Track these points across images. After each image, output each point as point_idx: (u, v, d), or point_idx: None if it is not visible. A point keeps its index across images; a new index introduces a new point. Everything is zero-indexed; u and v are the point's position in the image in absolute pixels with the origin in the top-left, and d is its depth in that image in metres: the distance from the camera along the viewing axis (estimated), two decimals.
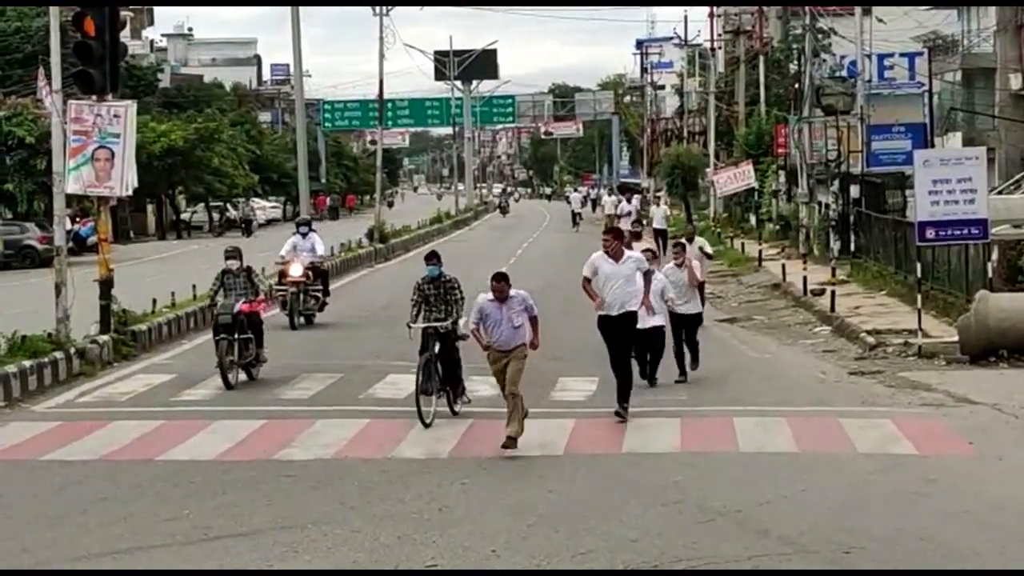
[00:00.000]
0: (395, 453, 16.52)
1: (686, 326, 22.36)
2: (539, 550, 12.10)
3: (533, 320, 17.27)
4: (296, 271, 30.39)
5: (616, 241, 18.56)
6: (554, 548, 12.15)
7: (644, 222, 47.40)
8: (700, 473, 15.05)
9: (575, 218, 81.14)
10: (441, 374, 18.38)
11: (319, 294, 31.03)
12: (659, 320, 20.76)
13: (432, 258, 19.18)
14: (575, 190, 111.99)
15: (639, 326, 19.63)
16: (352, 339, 28.33)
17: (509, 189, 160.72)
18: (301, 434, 17.73)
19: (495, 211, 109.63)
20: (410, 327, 18.61)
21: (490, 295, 17.11)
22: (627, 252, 18.66)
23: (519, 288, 17.71)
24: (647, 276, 18.91)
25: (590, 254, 18.64)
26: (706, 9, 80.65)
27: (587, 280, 18.47)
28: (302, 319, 30.35)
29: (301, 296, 30.30)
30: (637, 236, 26.43)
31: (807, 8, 48.88)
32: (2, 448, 17.48)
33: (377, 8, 62.80)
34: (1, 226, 58.06)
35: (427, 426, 17.70)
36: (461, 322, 18.76)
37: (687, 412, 18.92)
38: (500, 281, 17.14)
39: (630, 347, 18.82)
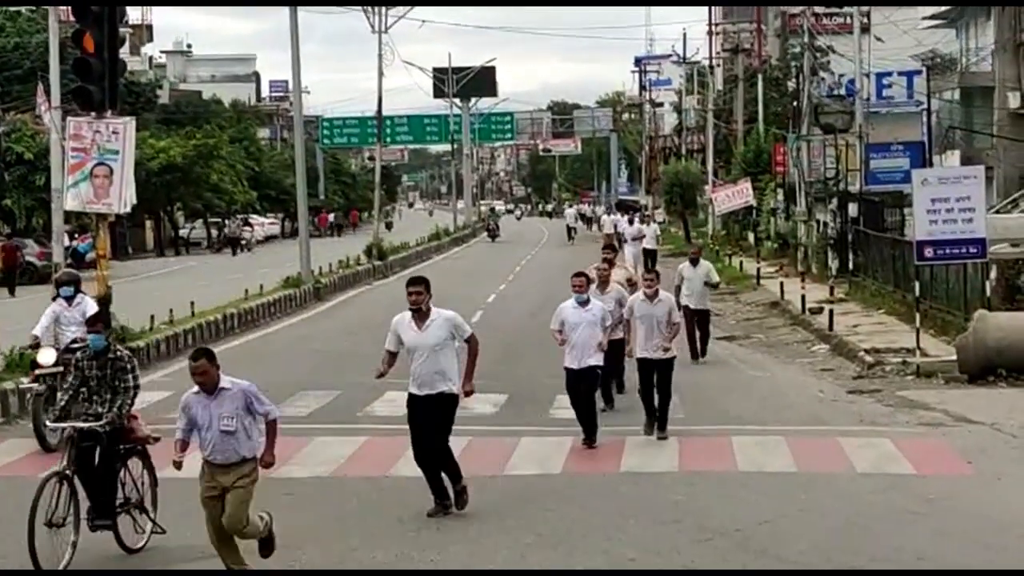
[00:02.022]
0: (393, 471, 16.48)
1: (656, 372, 18.28)
2: (537, 569, 12.10)
3: (269, 426, 12.17)
4: (47, 358, 18.56)
5: (424, 295, 14.03)
6: (552, 567, 12.14)
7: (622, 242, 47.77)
8: (698, 492, 15.03)
9: (570, 232, 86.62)
10: (96, 494, 12.72)
11: None
12: (595, 359, 17.47)
13: (95, 323, 13.40)
14: (570, 206, 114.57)
15: (573, 366, 17.43)
16: (349, 356, 28.26)
17: (504, 207, 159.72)
18: (299, 452, 17.69)
19: (483, 234, 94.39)
20: (46, 426, 13.25)
21: (195, 387, 12.01)
22: (435, 312, 14.08)
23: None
24: (471, 345, 14.23)
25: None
26: (705, 27, 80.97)
27: (389, 354, 14.30)
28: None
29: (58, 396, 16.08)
30: (611, 263, 21.74)
31: (806, 26, 48.99)
32: (0, 465, 17.45)
33: (376, 25, 62.87)
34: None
35: None
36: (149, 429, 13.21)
37: (685, 431, 18.88)
38: (199, 359, 11.88)
39: (447, 436, 14.26)
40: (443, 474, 14.21)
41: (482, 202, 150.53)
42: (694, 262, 27.19)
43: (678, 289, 26.13)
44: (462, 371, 14.24)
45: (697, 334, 26.48)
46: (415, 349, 13.96)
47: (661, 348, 18.19)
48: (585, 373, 17.43)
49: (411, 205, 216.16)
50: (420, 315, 13.99)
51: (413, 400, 14.10)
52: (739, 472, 16.21)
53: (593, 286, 19.21)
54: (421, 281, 14.13)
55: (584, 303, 17.60)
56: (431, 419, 14.01)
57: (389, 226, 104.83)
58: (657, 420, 18.33)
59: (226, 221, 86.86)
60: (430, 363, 13.93)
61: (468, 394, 14.42)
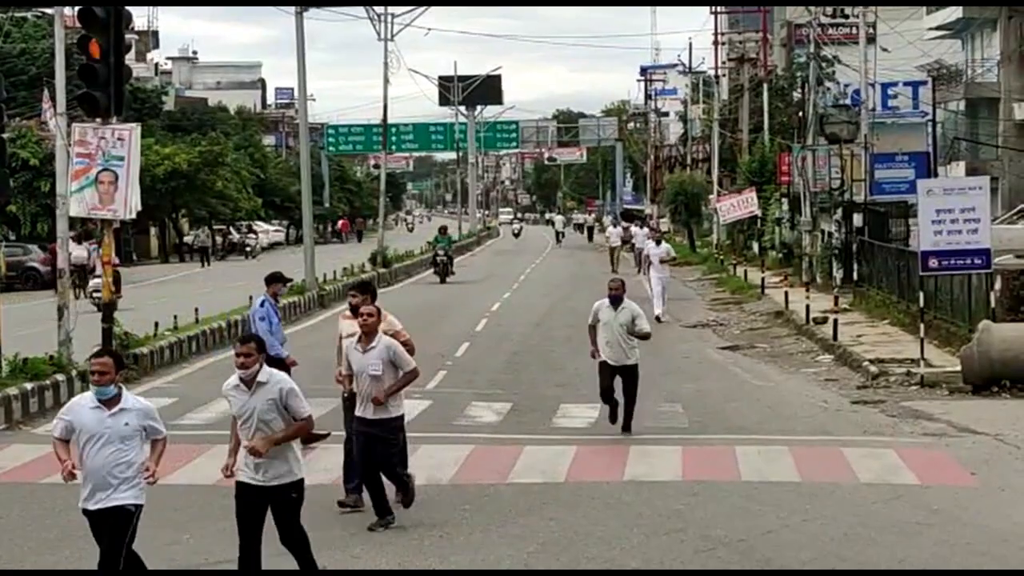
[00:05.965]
0: None
1: (370, 441, 13.95)
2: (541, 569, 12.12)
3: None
4: None
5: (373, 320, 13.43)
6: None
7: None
8: (702, 502, 15.02)
9: (559, 236, 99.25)
10: None
11: None
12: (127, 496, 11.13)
13: None
14: (557, 213, 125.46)
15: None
16: None
17: (508, 216, 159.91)
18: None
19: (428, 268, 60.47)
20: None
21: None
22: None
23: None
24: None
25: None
26: (710, 36, 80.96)
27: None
28: None
29: None
30: (366, 313, 15.11)
31: (811, 36, 48.99)
32: (3, 470, 17.46)
33: (382, 32, 62.90)
34: (5, 248, 58.17)
35: None
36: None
37: (689, 440, 18.87)
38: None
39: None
40: None
41: (486, 213, 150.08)
42: (615, 301, 19.15)
43: (592, 330, 19.32)
44: None
45: (620, 400, 19.30)
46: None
47: (371, 402, 14.15)
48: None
49: (409, 212, 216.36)
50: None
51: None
52: (742, 482, 16.20)
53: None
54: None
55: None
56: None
57: (411, 229, 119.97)
58: (375, 511, 13.85)
59: (231, 228, 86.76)
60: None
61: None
